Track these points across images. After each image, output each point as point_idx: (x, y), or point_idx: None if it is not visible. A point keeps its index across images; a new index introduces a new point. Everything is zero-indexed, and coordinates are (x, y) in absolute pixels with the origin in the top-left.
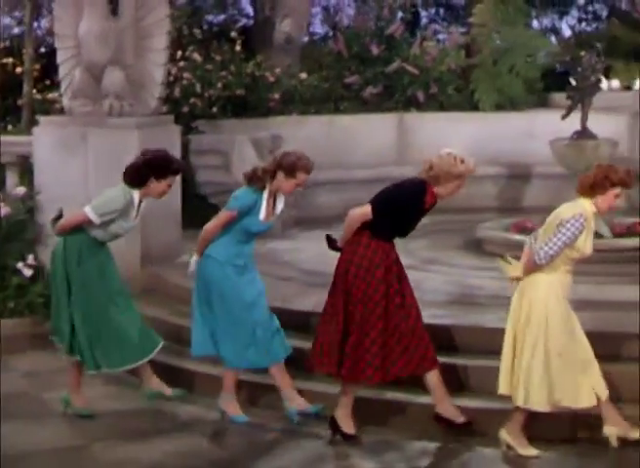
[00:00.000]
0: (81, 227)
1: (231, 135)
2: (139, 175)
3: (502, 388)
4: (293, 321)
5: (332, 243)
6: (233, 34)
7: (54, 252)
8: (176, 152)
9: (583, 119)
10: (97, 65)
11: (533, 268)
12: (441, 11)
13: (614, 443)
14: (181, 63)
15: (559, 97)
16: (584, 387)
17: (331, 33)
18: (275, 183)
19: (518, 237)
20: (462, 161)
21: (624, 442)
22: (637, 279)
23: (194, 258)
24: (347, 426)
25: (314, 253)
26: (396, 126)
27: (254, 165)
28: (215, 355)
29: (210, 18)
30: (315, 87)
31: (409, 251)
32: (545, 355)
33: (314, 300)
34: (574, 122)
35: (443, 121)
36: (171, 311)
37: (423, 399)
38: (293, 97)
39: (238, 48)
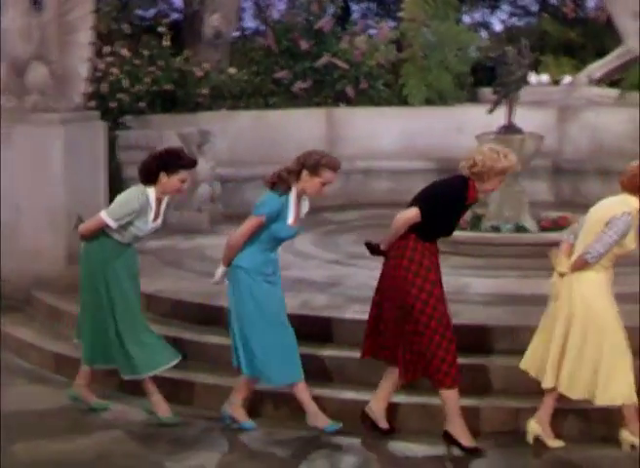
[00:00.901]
0: (102, 231)
1: (159, 130)
2: (149, 171)
3: (549, 382)
4: (217, 318)
5: (374, 248)
6: (162, 29)
7: (79, 257)
8: (101, 148)
9: (509, 114)
10: (20, 61)
11: (582, 267)
12: (372, 5)
13: (627, 447)
14: (109, 59)
15: (488, 92)
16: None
17: (262, 28)
18: (300, 184)
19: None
20: (506, 156)
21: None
22: None
23: (222, 269)
24: (465, 438)
25: None
26: (325, 121)
27: None
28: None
29: (140, 12)
30: (244, 82)
31: (336, 245)
32: (600, 350)
33: None
34: (503, 117)
35: (372, 115)
36: None
37: (347, 394)
38: (222, 93)
39: (167, 43)
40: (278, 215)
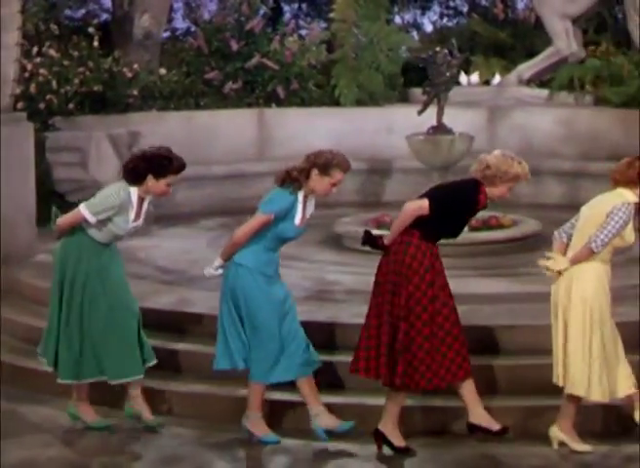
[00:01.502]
0: (79, 227)
1: (89, 131)
2: (135, 171)
3: (559, 379)
4: (148, 319)
5: (373, 240)
6: (91, 30)
7: (53, 255)
8: (30, 149)
9: (439, 114)
10: None
11: (586, 257)
12: (304, 6)
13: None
14: (38, 59)
15: (419, 93)
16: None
17: (193, 28)
18: (310, 183)
19: (377, 231)
20: (520, 163)
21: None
22: (493, 272)
23: (218, 263)
24: (397, 439)
25: (171, 251)
26: (257, 121)
27: (118, 161)
28: (238, 368)
29: (69, 12)
30: (175, 82)
31: None
32: (602, 344)
33: (171, 299)
34: (434, 117)
35: (304, 116)
36: (23, 311)
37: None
38: (152, 93)
39: (96, 43)
40: (286, 214)
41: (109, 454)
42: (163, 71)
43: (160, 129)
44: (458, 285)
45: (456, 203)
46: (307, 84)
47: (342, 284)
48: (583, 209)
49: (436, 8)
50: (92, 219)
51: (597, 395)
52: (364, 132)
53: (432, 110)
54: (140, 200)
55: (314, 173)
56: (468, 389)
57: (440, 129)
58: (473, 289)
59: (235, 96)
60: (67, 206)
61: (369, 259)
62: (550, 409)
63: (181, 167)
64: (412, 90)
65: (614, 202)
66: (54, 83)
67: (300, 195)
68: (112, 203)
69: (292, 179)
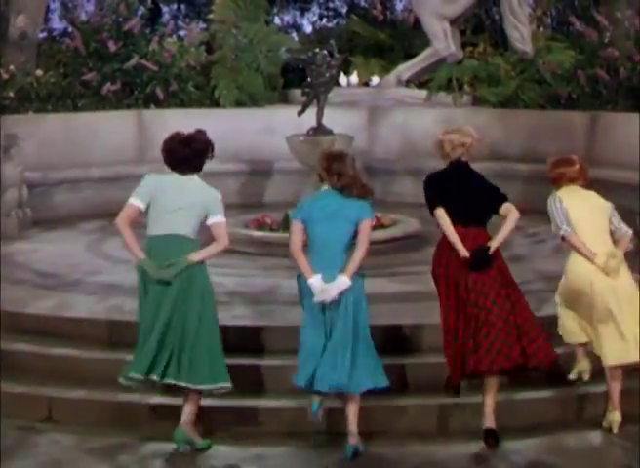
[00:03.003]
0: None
1: None
2: (203, 158)
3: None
4: (28, 324)
5: (489, 257)
6: None
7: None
8: None
9: (319, 115)
10: None
11: None
12: (182, 7)
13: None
14: None
15: (299, 94)
16: None
17: (70, 29)
18: None
19: (258, 233)
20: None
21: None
22: (374, 272)
23: (346, 282)
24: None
25: (51, 255)
26: (136, 123)
27: None
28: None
29: None
30: (52, 84)
31: None
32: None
33: (51, 304)
34: (314, 118)
35: (183, 117)
36: None
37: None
38: (29, 95)
39: None
40: None
41: None
42: (40, 73)
43: (37, 131)
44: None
45: None
46: (187, 85)
47: (224, 285)
48: (579, 204)
49: (315, 9)
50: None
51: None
52: (244, 133)
53: (312, 111)
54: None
55: None
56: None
57: (320, 129)
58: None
59: (114, 97)
60: None
61: (249, 260)
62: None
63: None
64: (292, 91)
65: (603, 201)
66: None
67: None
68: None
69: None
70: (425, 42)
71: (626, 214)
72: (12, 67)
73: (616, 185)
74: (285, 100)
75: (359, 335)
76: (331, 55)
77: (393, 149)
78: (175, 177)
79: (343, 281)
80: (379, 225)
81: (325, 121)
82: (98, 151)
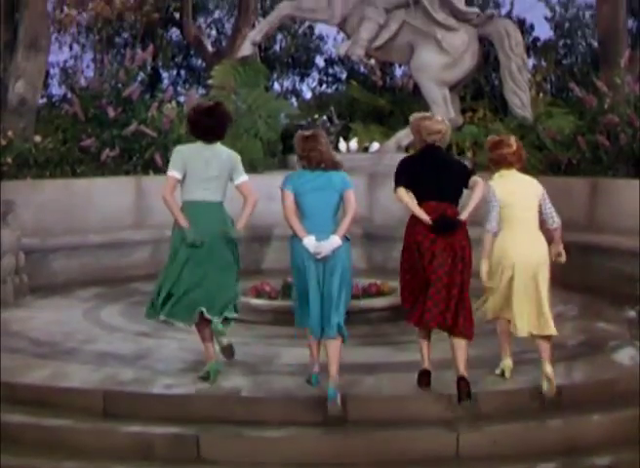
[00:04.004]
0: None
1: None
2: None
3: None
4: (20, 395)
5: (454, 223)
6: None
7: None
8: None
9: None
10: None
11: None
12: (182, 72)
13: None
14: None
15: None
16: None
17: (70, 95)
18: None
19: (256, 301)
20: None
21: None
22: (384, 340)
23: (336, 239)
24: None
25: (46, 323)
26: (134, 189)
27: None
28: None
29: None
30: (51, 150)
31: (144, 317)
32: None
33: (45, 373)
34: None
35: None
36: None
37: None
38: (27, 161)
39: None
40: None
41: None
42: (38, 139)
43: (35, 197)
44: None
45: None
46: None
47: (221, 354)
48: (515, 189)
49: (315, 75)
50: None
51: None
52: (240, 199)
53: None
54: None
55: None
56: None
57: None
58: (354, 358)
59: (112, 163)
60: None
61: (247, 328)
62: None
63: None
64: (291, 157)
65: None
66: None
67: None
68: None
69: None
70: (425, 108)
71: (627, 281)
72: (10, 133)
73: (616, 252)
74: (284, 166)
75: (345, 288)
76: (330, 121)
77: (393, 216)
78: (202, 146)
79: (336, 240)
80: (378, 293)
81: None
82: (96, 217)
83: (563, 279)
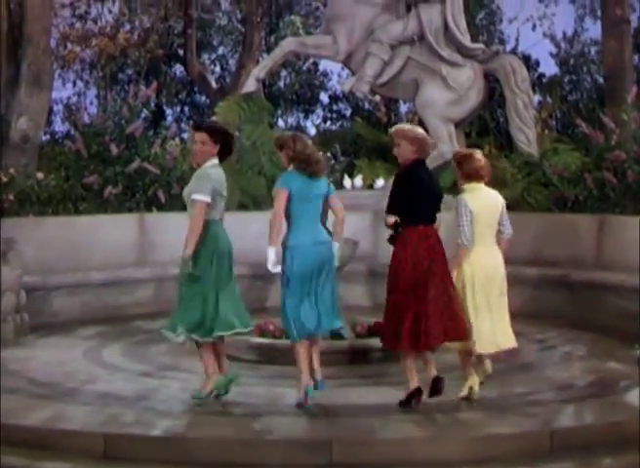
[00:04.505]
0: None
1: None
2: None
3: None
4: (17, 437)
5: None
6: None
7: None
8: None
9: (323, 219)
10: None
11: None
12: (186, 109)
13: None
14: None
15: None
16: None
17: (73, 132)
18: None
19: (260, 340)
20: None
21: None
22: (385, 380)
23: (335, 244)
24: None
25: (47, 362)
26: (137, 226)
27: None
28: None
29: None
30: (53, 187)
31: (146, 357)
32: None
33: (45, 414)
34: None
35: (185, 221)
36: None
37: None
38: (29, 198)
39: None
40: None
41: None
42: (41, 175)
43: (37, 234)
44: (336, 396)
45: None
46: None
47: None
48: (480, 208)
49: (319, 111)
50: None
51: None
52: (247, 236)
53: None
54: None
55: None
56: None
57: None
58: (352, 399)
59: (115, 200)
60: None
61: (250, 368)
62: None
63: None
64: None
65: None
66: None
67: None
68: None
69: None
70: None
71: (635, 319)
72: (12, 170)
73: (624, 289)
74: None
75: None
76: (335, 157)
77: None
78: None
79: (335, 246)
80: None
81: (329, 224)
82: (98, 255)
83: (570, 317)
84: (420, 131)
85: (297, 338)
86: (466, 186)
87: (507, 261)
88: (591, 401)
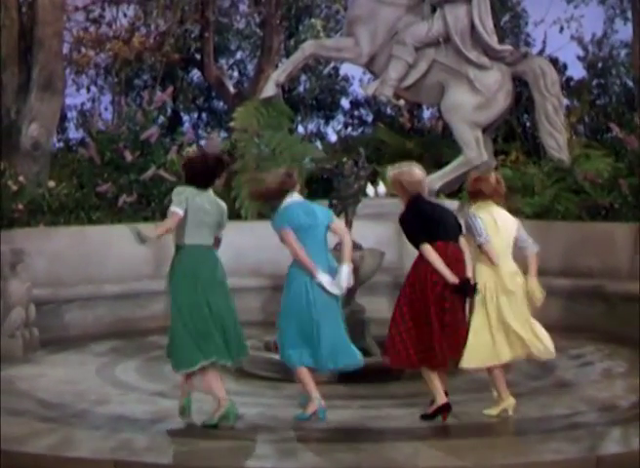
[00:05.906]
0: None
1: None
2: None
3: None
4: (26, 465)
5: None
6: None
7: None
8: None
9: (348, 228)
10: None
11: None
12: (204, 115)
13: None
14: None
15: (325, 205)
16: None
17: (88, 139)
18: None
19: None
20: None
21: None
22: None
23: (347, 267)
24: None
25: (56, 381)
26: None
27: None
28: None
29: None
30: (65, 195)
31: (161, 375)
32: None
33: (52, 440)
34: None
35: None
36: None
37: None
38: (40, 207)
39: None
40: None
41: None
42: (52, 184)
43: (48, 245)
44: (363, 418)
45: None
46: None
47: (243, 418)
48: (500, 224)
49: (340, 117)
50: None
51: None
52: (266, 246)
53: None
54: None
55: None
56: None
57: None
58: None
59: (130, 209)
60: None
61: (272, 387)
62: None
63: None
64: (317, 202)
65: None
66: None
67: None
68: None
69: None
70: (456, 150)
71: None
72: (21, 178)
73: None
74: None
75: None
76: (357, 164)
77: None
78: (197, 191)
79: (348, 269)
80: None
81: (353, 234)
82: (112, 266)
83: (605, 331)
84: (407, 172)
85: (297, 364)
86: (474, 205)
87: (538, 272)
88: (637, 423)
